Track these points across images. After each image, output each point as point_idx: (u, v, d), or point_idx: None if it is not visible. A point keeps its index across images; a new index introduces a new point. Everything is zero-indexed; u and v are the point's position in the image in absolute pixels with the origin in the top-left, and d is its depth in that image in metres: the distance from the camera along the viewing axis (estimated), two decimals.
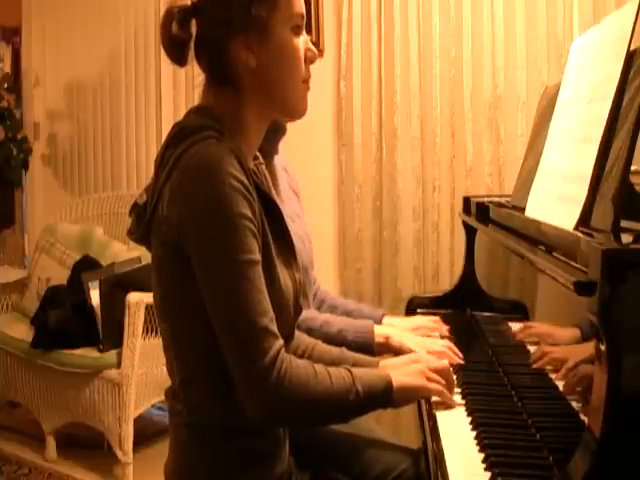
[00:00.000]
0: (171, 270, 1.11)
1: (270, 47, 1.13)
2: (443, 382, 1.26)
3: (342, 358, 1.37)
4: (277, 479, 1.20)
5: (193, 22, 1.15)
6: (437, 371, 1.27)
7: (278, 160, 1.69)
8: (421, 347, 1.52)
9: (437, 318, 1.77)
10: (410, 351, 1.51)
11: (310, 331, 1.50)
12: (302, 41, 1.17)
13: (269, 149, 1.63)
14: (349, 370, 1.16)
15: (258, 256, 1.07)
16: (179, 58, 1.16)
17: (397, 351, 1.54)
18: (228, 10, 1.12)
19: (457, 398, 1.29)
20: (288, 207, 1.63)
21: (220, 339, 1.07)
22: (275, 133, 1.62)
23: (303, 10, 1.17)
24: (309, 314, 1.56)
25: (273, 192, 1.26)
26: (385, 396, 1.17)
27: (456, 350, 1.51)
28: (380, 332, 1.58)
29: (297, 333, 1.39)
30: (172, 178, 1.09)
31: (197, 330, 1.10)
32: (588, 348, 0.93)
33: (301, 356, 1.36)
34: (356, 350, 1.48)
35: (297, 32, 1.16)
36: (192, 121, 1.14)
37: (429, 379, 1.24)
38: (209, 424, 1.15)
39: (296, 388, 1.07)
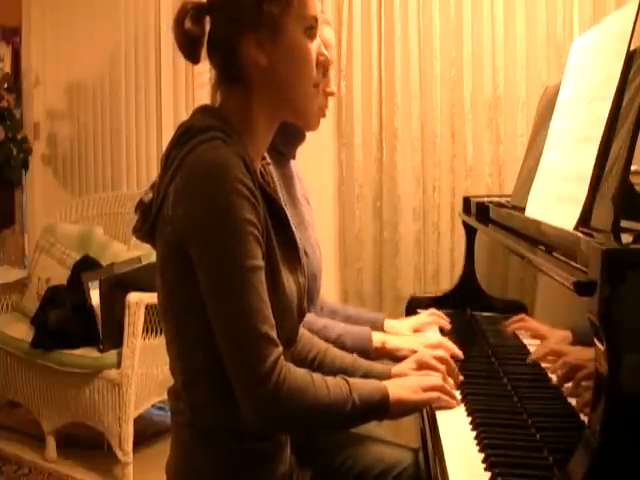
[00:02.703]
0: (175, 270, 1.11)
1: (281, 46, 1.13)
2: (438, 385, 1.26)
3: (355, 366, 1.37)
4: (279, 479, 1.20)
5: (207, 20, 1.15)
6: (438, 359, 1.29)
7: (294, 167, 1.69)
8: (418, 345, 1.53)
9: (433, 310, 1.79)
10: (407, 350, 1.52)
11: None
12: (315, 45, 1.16)
13: (288, 153, 1.64)
14: (346, 380, 1.16)
15: (261, 262, 1.07)
16: (192, 55, 1.16)
17: (393, 354, 1.56)
18: (240, 7, 1.12)
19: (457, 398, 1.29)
20: (303, 215, 1.63)
21: (220, 343, 1.06)
22: (294, 138, 1.63)
23: (317, 13, 1.16)
24: (309, 318, 1.56)
25: (280, 194, 1.25)
26: (381, 408, 1.17)
27: (452, 345, 1.52)
28: (378, 338, 1.59)
29: (309, 335, 1.40)
30: (177, 178, 1.08)
31: (201, 330, 1.10)
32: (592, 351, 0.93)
33: (313, 360, 1.36)
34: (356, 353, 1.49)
35: (310, 35, 1.15)
36: (198, 121, 1.14)
37: (425, 389, 1.24)
38: (211, 424, 1.15)
39: (293, 395, 1.07)
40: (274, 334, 1.07)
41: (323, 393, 1.10)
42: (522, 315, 1.41)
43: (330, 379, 1.14)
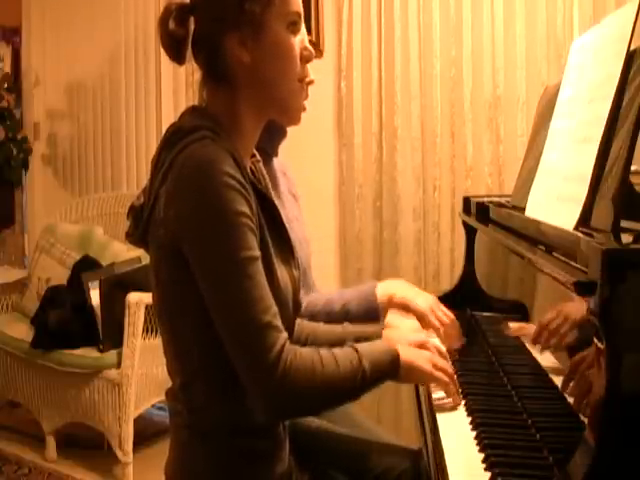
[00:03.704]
0: (169, 272, 1.11)
1: (264, 44, 1.13)
2: (450, 372, 1.27)
3: (346, 333, 1.37)
4: (277, 479, 1.20)
5: (191, 20, 1.15)
6: (443, 370, 1.27)
7: (277, 164, 1.69)
8: (425, 303, 1.53)
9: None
10: (415, 309, 1.53)
11: (313, 315, 1.50)
12: (298, 40, 1.17)
13: (269, 151, 1.63)
14: (355, 348, 1.15)
15: (257, 252, 1.07)
16: (177, 56, 1.16)
17: (401, 308, 1.55)
18: (221, 6, 1.12)
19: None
20: (288, 210, 1.63)
21: (224, 338, 1.06)
22: (276, 135, 1.62)
23: (299, 8, 1.17)
24: (310, 298, 1.56)
25: (270, 190, 1.25)
26: (391, 371, 1.18)
27: (457, 324, 1.52)
28: (384, 292, 1.57)
29: (297, 321, 1.40)
30: (168, 180, 1.09)
31: (197, 331, 1.10)
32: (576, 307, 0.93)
33: (305, 341, 1.36)
34: (362, 315, 1.49)
35: (293, 30, 1.16)
36: (187, 122, 1.14)
37: (436, 367, 1.24)
38: (210, 425, 1.15)
39: (303, 378, 1.07)
40: (277, 321, 1.06)
41: (332, 369, 1.10)
42: (522, 324, 1.40)
43: (338, 351, 1.13)
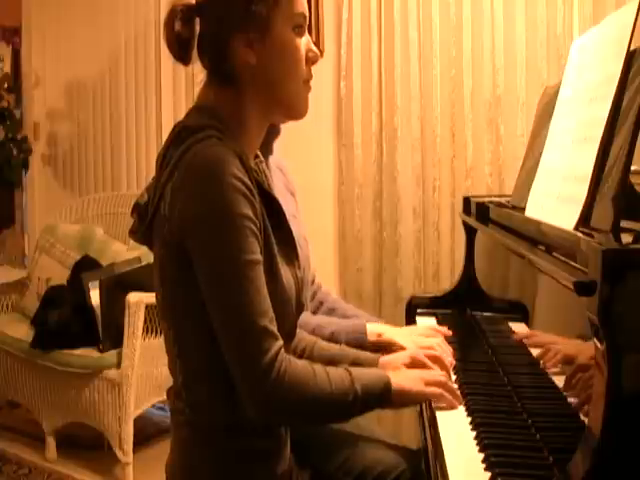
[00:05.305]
0: (173, 270, 1.11)
1: (270, 45, 1.14)
2: (443, 381, 1.26)
3: (342, 355, 1.38)
4: (278, 478, 1.20)
5: (197, 21, 1.15)
6: (435, 383, 1.26)
7: (273, 160, 1.69)
8: (412, 343, 1.52)
9: (434, 325, 1.76)
10: (401, 346, 1.52)
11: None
12: (304, 42, 1.17)
13: (263, 150, 1.63)
14: (348, 371, 1.16)
15: (259, 256, 1.07)
16: (182, 56, 1.17)
17: (388, 347, 1.55)
18: (228, 8, 1.13)
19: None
20: (285, 208, 1.62)
21: (220, 339, 1.07)
22: (269, 134, 1.62)
23: (305, 10, 1.17)
24: (302, 317, 1.56)
25: (274, 190, 1.26)
26: (383, 397, 1.18)
27: (445, 348, 1.50)
28: (373, 330, 1.58)
29: (298, 330, 1.40)
30: (174, 177, 1.09)
31: (200, 330, 1.11)
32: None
33: (302, 353, 1.37)
34: (352, 345, 1.48)
35: (299, 32, 1.16)
36: (194, 120, 1.14)
37: (428, 383, 1.24)
38: (211, 423, 1.16)
39: (295, 388, 1.08)
40: (274, 327, 1.07)
41: (325, 385, 1.11)
42: (531, 331, 1.38)
43: (332, 369, 1.14)
